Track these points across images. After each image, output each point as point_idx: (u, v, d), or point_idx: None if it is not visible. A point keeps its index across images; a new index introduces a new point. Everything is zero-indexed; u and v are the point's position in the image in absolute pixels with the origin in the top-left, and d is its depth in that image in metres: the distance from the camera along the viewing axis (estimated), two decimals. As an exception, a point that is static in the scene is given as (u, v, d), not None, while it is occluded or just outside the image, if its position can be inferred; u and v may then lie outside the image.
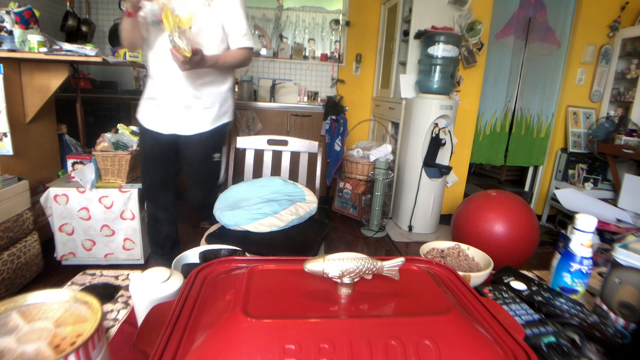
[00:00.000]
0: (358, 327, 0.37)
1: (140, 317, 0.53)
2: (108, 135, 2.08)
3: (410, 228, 2.89)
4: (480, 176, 4.63)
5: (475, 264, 0.77)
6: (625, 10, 3.11)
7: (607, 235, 2.37)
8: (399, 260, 0.44)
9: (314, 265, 0.42)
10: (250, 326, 0.35)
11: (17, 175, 1.86)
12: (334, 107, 3.26)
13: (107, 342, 0.33)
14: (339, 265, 0.42)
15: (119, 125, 2.19)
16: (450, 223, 2.42)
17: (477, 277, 0.69)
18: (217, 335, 0.35)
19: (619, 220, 2.51)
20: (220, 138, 1.71)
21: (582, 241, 0.65)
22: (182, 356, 0.34)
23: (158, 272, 0.54)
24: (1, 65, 1.83)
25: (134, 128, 2.22)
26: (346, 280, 0.42)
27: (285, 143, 1.56)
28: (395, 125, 3.23)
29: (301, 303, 0.42)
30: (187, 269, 0.65)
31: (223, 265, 0.52)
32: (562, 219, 3.26)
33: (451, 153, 2.93)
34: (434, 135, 2.73)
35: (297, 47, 3.70)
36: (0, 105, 1.86)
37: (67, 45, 1.94)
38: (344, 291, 0.43)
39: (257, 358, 0.33)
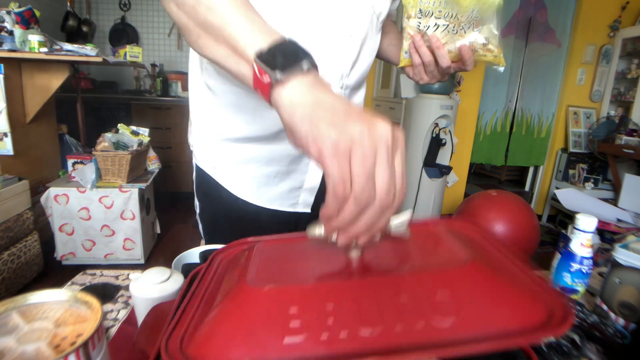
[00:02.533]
0: (365, 286, 0.35)
1: (140, 317, 0.53)
2: (108, 135, 2.08)
3: (410, 228, 2.89)
4: (481, 176, 4.63)
5: (475, 264, 0.76)
6: (626, 10, 3.11)
7: (607, 235, 2.37)
8: (405, 215, 0.40)
9: (317, 230, 0.39)
10: (255, 295, 0.35)
11: (18, 175, 1.86)
12: (334, 107, 3.25)
13: (107, 342, 0.33)
14: None
15: (119, 125, 2.20)
16: (450, 223, 2.42)
17: (477, 277, 0.69)
18: (223, 308, 0.35)
19: (619, 220, 2.51)
20: None
21: (582, 241, 0.65)
22: (184, 353, 0.34)
23: (158, 272, 0.54)
24: (2, 65, 1.83)
25: (134, 128, 2.22)
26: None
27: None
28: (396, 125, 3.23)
29: (307, 270, 0.40)
30: (187, 269, 0.65)
31: (230, 252, 0.52)
32: (563, 219, 3.26)
33: (451, 153, 2.93)
34: (434, 135, 2.73)
35: (298, 47, 3.70)
36: (0, 105, 1.86)
37: (67, 45, 1.94)
38: (352, 255, 0.39)
39: (262, 325, 0.32)
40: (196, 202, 0.82)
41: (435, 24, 0.65)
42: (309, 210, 0.80)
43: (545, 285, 0.35)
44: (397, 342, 0.30)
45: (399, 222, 0.40)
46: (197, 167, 0.78)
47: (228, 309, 0.35)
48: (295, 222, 0.81)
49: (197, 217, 0.83)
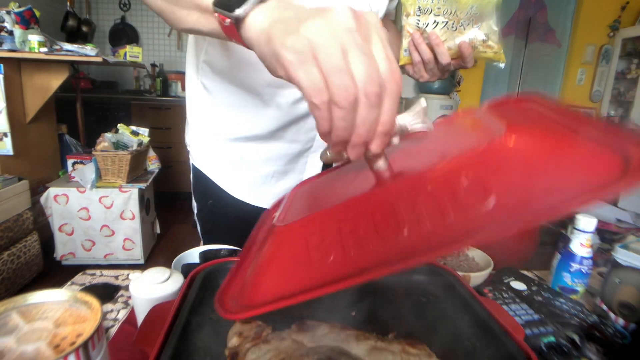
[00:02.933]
0: (381, 195, 0.31)
1: (140, 317, 0.53)
2: (108, 135, 2.08)
3: (410, 228, 2.89)
4: (481, 176, 4.62)
5: (475, 264, 0.77)
6: (626, 10, 3.11)
7: (607, 235, 2.37)
8: (419, 105, 0.34)
9: (328, 153, 0.36)
10: (283, 233, 0.34)
11: (18, 175, 1.86)
12: (334, 107, 3.25)
13: (107, 342, 0.33)
14: None
15: (119, 125, 2.20)
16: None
17: (477, 277, 0.69)
18: (260, 254, 0.35)
19: (619, 220, 2.51)
20: None
21: (582, 241, 0.65)
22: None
23: (158, 272, 0.54)
24: (1, 65, 1.83)
25: (134, 128, 2.22)
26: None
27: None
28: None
29: (330, 198, 0.38)
30: (187, 269, 0.65)
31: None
32: (562, 219, 3.26)
33: (451, 153, 2.93)
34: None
35: (297, 47, 3.70)
36: (0, 105, 1.86)
37: (67, 45, 1.94)
38: (379, 166, 0.34)
39: (296, 257, 0.31)
40: (194, 203, 0.82)
41: (435, 21, 0.64)
42: None
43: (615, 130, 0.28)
44: (428, 240, 0.27)
45: (413, 114, 0.34)
46: (194, 167, 0.77)
47: (264, 254, 0.34)
48: None
49: (195, 217, 0.82)
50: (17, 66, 1.96)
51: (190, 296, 0.46)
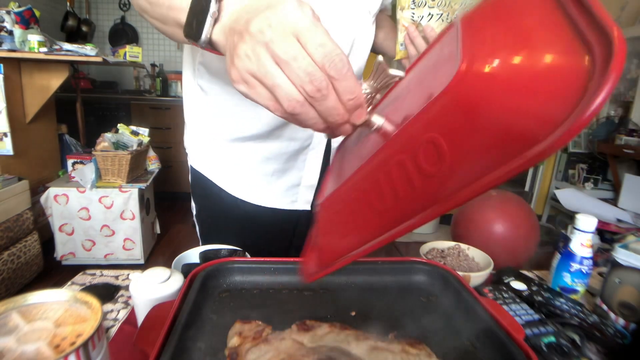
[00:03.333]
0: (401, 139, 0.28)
1: (140, 317, 0.53)
2: (108, 135, 2.08)
3: (410, 228, 2.89)
4: (481, 176, 4.62)
5: (475, 264, 0.77)
6: (625, 10, 3.11)
7: (607, 235, 2.37)
8: (377, 63, 0.32)
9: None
10: (325, 205, 0.37)
11: (17, 175, 1.86)
12: (334, 107, 3.25)
13: (107, 342, 0.33)
14: None
15: (119, 125, 2.20)
16: (450, 223, 2.43)
17: (477, 277, 0.69)
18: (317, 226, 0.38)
19: (619, 220, 2.51)
20: None
21: (582, 241, 0.65)
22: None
23: (158, 272, 0.54)
24: (1, 65, 1.83)
25: (133, 128, 2.22)
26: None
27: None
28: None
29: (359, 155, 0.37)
30: (187, 269, 0.65)
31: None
32: (563, 219, 3.26)
33: (451, 153, 2.93)
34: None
35: (297, 47, 3.70)
36: (0, 105, 1.86)
37: (67, 45, 1.94)
38: (374, 122, 0.33)
39: (342, 224, 0.35)
40: (192, 204, 0.81)
41: (429, 14, 0.65)
42: (309, 207, 0.78)
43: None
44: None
45: (375, 75, 0.32)
46: (193, 168, 0.77)
47: (322, 225, 0.37)
48: (296, 221, 0.80)
49: (194, 218, 0.82)
50: (17, 66, 1.96)
51: (191, 296, 0.46)
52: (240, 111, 0.69)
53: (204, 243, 0.80)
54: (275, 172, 0.74)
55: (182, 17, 0.39)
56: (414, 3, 0.65)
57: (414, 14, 0.65)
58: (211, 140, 0.73)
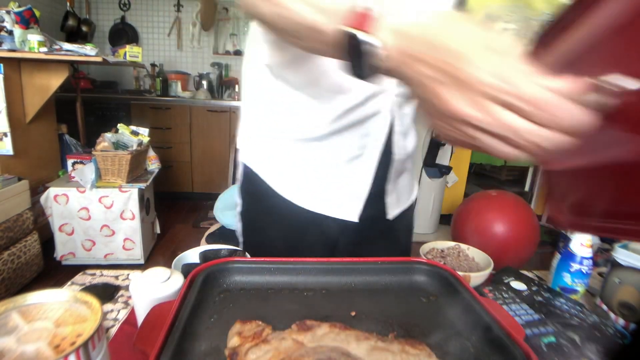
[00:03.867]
0: None
1: (140, 317, 0.53)
2: (108, 135, 2.08)
3: (410, 228, 2.89)
4: (480, 176, 4.63)
5: (475, 264, 0.77)
6: (626, 10, 3.11)
7: (607, 235, 2.37)
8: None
9: None
10: None
11: (17, 175, 1.86)
12: (334, 107, 3.25)
13: (107, 342, 0.33)
14: None
15: (119, 125, 2.20)
16: (450, 223, 2.42)
17: (477, 277, 0.69)
18: None
19: (619, 220, 2.51)
20: None
21: (582, 241, 0.65)
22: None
23: (158, 272, 0.54)
24: (1, 65, 1.83)
25: (133, 128, 2.22)
26: None
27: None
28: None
29: None
30: (187, 269, 0.65)
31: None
32: (562, 219, 3.26)
33: (451, 153, 2.93)
34: (433, 135, 2.73)
35: (297, 47, 3.70)
36: (0, 105, 1.86)
37: (67, 45, 1.94)
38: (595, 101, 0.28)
39: None
40: (238, 201, 0.80)
41: (505, 29, 0.63)
42: (356, 219, 0.75)
43: None
44: None
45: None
46: (245, 166, 0.76)
47: None
48: (341, 231, 0.77)
49: (238, 215, 0.80)
50: (17, 66, 1.96)
51: (191, 296, 0.46)
52: (300, 113, 0.69)
53: (246, 242, 0.81)
54: (327, 179, 0.73)
55: (329, 39, 0.37)
56: (488, 17, 0.63)
57: None
58: (267, 139, 0.73)
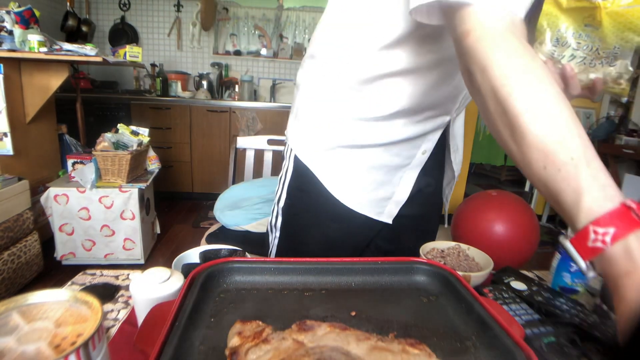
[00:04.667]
0: None
1: (140, 317, 0.53)
2: (108, 135, 2.08)
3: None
4: (481, 176, 4.63)
5: (475, 264, 0.77)
6: (626, 10, 3.11)
7: (607, 235, 2.36)
8: None
9: None
10: None
11: (18, 175, 1.86)
12: (334, 107, 3.25)
13: (107, 342, 0.33)
14: None
15: (119, 125, 2.20)
16: (450, 223, 2.42)
17: (477, 277, 0.69)
18: None
19: (619, 220, 2.51)
20: None
21: (582, 241, 0.65)
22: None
23: (158, 272, 0.54)
24: (1, 65, 1.83)
25: (133, 128, 2.22)
26: None
27: (285, 143, 1.56)
28: None
29: None
30: (187, 269, 0.65)
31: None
32: (563, 219, 3.26)
33: (451, 153, 2.93)
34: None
35: (297, 47, 3.70)
36: (0, 105, 1.86)
37: (67, 45, 1.94)
38: None
39: None
40: (281, 196, 0.81)
41: (572, 55, 0.63)
42: (390, 221, 0.80)
43: None
44: None
45: None
46: (298, 160, 0.77)
47: None
48: (378, 231, 0.82)
49: (279, 210, 0.82)
50: (17, 66, 1.96)
51: (191, 296, 0.46)
52: (363, 124, 0.71)
53: (283, 236, 0.82)
54: (374, 182, 0.77)
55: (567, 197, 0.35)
56: (558, 42, 0.63)
57: (555, 51, 0.64)
58: (327, 142, 0.74)
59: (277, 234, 0.83)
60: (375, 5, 0.60)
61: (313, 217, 0.80)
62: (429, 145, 0.77)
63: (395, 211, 0.81)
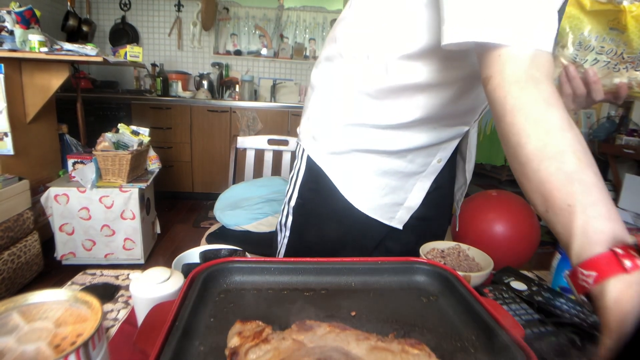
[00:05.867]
0: None
1: (140, 317, 0.53)
2: (109, 135, 2.08)
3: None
4: (481, 176, 4.62)
5: (476, 264, 0.77)
6: (626, 10, 3.10)
7: (607, 235, 2.36)
8: None
9: None
10: None
11: (18, 175, 1.86)
12: (334, 107, 3.25)
13: (107, 342, 0.33)
14: None
15: (119, 125, 2.20)
16: (450, 223, 2.42)
17: (477, 277, 0.69)
18: None
19: (619, 221, 2.51)
20: None
21: (582, 241, 0.65)
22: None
23: (158, 272, 0.54)
24: (2, 65, 1.83)
25: (134, 127, 2.22)
26: None
27: (285, 143, 1.56)
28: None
29: None
30: (187, 269, 0.65)
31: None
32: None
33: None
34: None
35: (298, 47, 3.70)
36: (1, 105, 1.86)
37: (67, 45, 1.94)
38: None
39: None
40: (292, 195, 0.80)
41: (595, 59, 0.61)
42: (401, 227, 0.81)
43: None
44: None
45: None
46: (311, 161, 0.77)
47: None
48: (385, 235, 0.83)
49: (289, 209, 0.81)
50: (17, 66, 1.96)
51: (191, 296, 0.46)
52: (380, 132, 0.70)
53: (293, 236, 0.82)
54: (386, 187, 0.76)
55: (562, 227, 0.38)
56: (580, 45, 0.61)
57: (577, 55, 0.62)
58: (341, 145, 0.73)
59: (287, 233, 0.82)
60: (398, 13, 0.59)
61: (324, 217, 0.79)
62: (444, 153, 0.76)
63: (406, 217, 0.81)
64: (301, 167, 0.78)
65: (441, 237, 0.91)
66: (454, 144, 0.76)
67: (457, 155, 0.82)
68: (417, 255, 0.63)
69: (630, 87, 0.61)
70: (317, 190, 0.78)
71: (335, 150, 0.74)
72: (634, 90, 0.61)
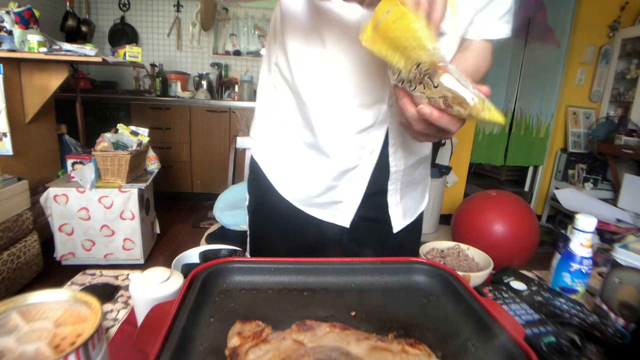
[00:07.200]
0: None
1: (140, 317, 0.53)
2: (108, 135, 2.08)
3: (410, 228, 2.89)
4: (480, 176, 4.63)
5: (475, 264, 0.77)
6: (625, 10, 3.11)
7: (607, 235, 2.37)
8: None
9: None
10: None
11: (17, 175, 1.86)
12: (333, 107, 3.25)
13: (107, 342, 0.33)
14: None
15: (118, 125, 2.19)
16: (450, 223, 2.42)
17: (477, 277, 0.69)
18: None
19: (619, 220, 2.52)
20: None
21: (582, 241, 0.65)
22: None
23: (158, 272, 0.54)
24: (1, 65, 1.83)
25: (133, 128, 2.22)
26: None
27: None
28: None
29: None
30: (187, 269, 0.65)
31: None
32: (562, 219, 3.27)
33: (451, 153, 2.93)
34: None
35: (297, 47, 3.70)
36: (0, 105, 1.86)
37: (66, 45, 1.94)
38: None
39: None
40: (247, 195, 0.85)
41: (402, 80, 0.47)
42: (347, 225, 0.77)
43: None
44: None
45: None
46: (253, 159, 0.81)
47: None
48: (339, 237, 0.81)
49: (247, 209, 0.86)
50: (16, 66, 1.96)
51: (191, 296, 0.46)
52: (303, 115, 0.71)
53: (252, 236, 0.84)
54: (322, 184, 0.75)
55: None
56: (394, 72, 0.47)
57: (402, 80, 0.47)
58: (276, 141, 0.76)
59: (249, 232, 0.86)
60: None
61: (271, 216, 0.80)
62: (374, 142, 0.69)
63: (350, 215, 0.76)
64: (249, 167, 0.83)
65: (416, 241, 0.84)
66: (382, 131, 0.69)
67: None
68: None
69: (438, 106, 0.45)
70: (260, 189, 0.80)
71: (269, 151, 0.77)
72: (456, 111, 0.44)
